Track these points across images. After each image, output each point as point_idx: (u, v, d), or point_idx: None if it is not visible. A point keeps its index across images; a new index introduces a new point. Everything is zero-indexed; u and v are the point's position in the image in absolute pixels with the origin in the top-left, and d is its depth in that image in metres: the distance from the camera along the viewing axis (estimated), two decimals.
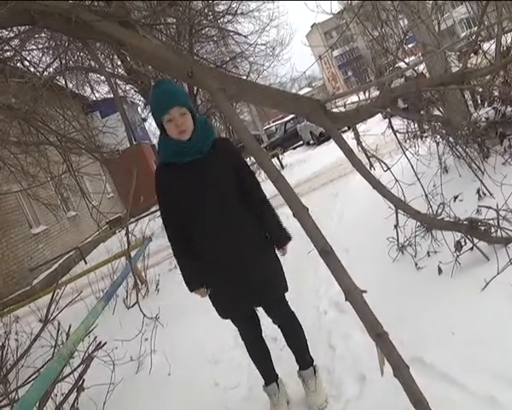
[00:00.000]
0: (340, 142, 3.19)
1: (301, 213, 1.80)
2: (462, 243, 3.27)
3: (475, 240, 3.20)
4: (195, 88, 13.71)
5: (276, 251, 2.87)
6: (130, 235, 3.50)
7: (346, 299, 1.76)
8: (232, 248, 2.73)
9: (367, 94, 4.90)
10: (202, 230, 2.75)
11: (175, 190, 2.73)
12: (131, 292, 6.34)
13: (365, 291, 1.74)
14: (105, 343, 3.87)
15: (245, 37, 11.11)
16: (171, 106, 2.62)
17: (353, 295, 1.72)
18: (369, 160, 3.81)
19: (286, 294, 2.97)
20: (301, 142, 25.60)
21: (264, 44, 14.93)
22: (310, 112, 3.18)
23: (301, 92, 56.87)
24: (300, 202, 1.83)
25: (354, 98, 5.97)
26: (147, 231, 8.63)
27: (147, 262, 7.44)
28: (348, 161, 3.22)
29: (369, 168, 3.47)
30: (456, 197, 3.92)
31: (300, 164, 16.68)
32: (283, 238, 2.85)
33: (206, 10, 10.58)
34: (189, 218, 2.76)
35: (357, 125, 3.72)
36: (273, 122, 39.51)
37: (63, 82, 6.49)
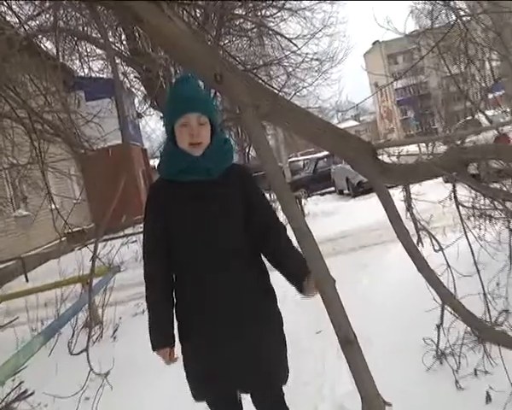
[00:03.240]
0: (386, 201, 3.20)
1: (325, 284, 1.81)
2: None
3: None
4: (213, 91, 13.89)
5: (304, 293, 2.77)
6: (95, 258, 3.49)
7: (364, 409, 1.75)
8: (228, 304, 2.73)
9: (430, 147, 4.95)
10: (193, 270, 2.76)
11: (170, 212, 2.76)
12: (80, 333, 6.30)
13: (390, 404, 1.73)
14: (32, 394, 3.82)
15: (289, 40, 11.25)
16: (190, 109, 2.70)
17: (374, 404, 1.71)
18: (418, 232, 3.82)
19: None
20: (333, 188, 25.74)
21: (310, 54, 15.10)
22: (355, 156, 3.20)
23: (344, 125, 57.52)
24: (327, 270, 1.84)
25: (411, 148, 6.01)
26: (116, 257, 8.63)
27: (108, 298, 7.41)
28: (392, 227, 3.24)
29: (416, 243, 3.48)
30: None
31: (327, 216, 16.74)
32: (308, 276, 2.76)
33: None
34: (179, 252, 2.78)
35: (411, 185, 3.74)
36: (301, 155, 39.88)
37: (48, 46, 6.59)
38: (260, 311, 2.82)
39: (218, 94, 12.94)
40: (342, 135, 3.28)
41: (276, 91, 5.26)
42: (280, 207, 2.09)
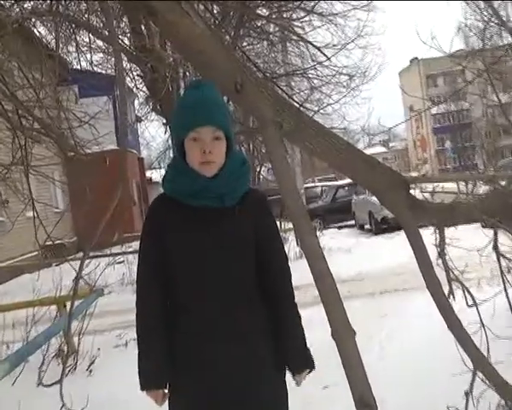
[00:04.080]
0: (417, 243, 3.20)
1: (344, 335, 1.80)
2: None
3: None
4: (226, 98, 13.93)
5: (292, 378, 2.83)
6: (79, 278, 3.50)
7: None
8: (228, 350, 2.72)
9: (470, 185, 4.93)
10: (196, 301, 2.74)
11: (172, 237, 2.75)
12: (50, 362, 6.26)
13: None
14: None
15: (317, 49, 11.27)
16: (203, 122, 2.64)
17: None
18: (449, 283, 3.80)
19: None
20: (353, 222, 25.72)
21: (339, 67, 15.11)
22: (384, 188, 3.21)
23: (370, 151, 57.57)
24: (347, 319, 1.83)
25: (447, 184, 5.98)
26: (99, 279, 8.59)
27: (86, 325, 7.36)
28: (418, 273, 3.22)
29: (447, 295, 3.46)
30: None
31: (344, 253, 16.68)
32: (305, 363, 2.81)
33: None
34: (180, 281, 2.77)
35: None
36: (319, 181, 39.93)
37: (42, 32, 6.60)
38: (268, 366, 2.79)
39: (230, 103, 12.99)
40: (371, 164, 3.28)
41: (299, 108, 5.26)
42: (298, 238, 2.08)
